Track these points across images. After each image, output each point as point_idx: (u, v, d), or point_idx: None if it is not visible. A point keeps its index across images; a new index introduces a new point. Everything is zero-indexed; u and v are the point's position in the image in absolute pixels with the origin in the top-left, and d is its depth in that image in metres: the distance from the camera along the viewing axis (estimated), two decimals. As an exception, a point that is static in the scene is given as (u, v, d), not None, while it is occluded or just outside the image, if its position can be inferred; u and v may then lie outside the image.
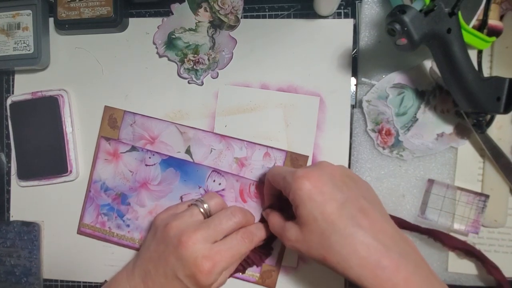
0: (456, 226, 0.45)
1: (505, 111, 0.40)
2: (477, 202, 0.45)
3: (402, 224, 0.45)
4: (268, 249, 0.47)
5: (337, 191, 0.36)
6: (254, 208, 0.48)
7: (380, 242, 0.34)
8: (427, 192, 0.46)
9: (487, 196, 0.45)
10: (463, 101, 0.41)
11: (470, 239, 0.46)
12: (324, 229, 0.35)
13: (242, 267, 0.47)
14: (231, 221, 0.42)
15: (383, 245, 0.34)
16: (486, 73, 0.46)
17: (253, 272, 0.48)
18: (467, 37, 0.40)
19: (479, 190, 0.46)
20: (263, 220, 0.46)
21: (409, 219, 0.46)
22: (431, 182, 0.46)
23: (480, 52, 0.43)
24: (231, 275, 0.47)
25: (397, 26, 0.35)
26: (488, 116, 0.43)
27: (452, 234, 0.46)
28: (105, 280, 0.50)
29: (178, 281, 0.39)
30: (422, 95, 0.46)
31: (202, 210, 0.43)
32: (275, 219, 0.42)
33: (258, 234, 0.44)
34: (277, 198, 0.45)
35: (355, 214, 0.35)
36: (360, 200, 0.37)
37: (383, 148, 0.46)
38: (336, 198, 0.36)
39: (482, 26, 0.42)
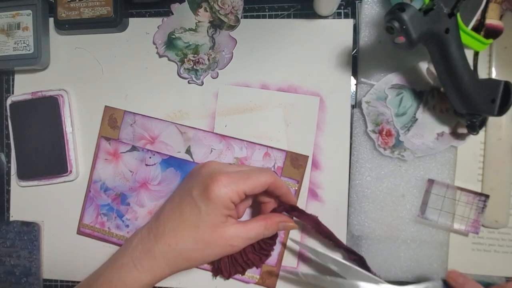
0: (456, 226, 0.45)
1: (499, 114, 0.40)
2: (477, 202, 0.45)
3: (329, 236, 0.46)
4: (268, 250, 0.47)
5: None
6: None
7: None
8: (427, 192, 0.46)
9: (487, 196, 0.45)
10: (458, 102, 0.41)
11: (470, 239, 0.46)
12: None
13: (241, 268, 0.46)
14: (261, 176, 0.40)
15: None
16: (484, 73, 0.46)
17: (253, 273, 0.48)
18: (465, 38, 0.40)
19: (479, 190, 0.46)
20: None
21: (409, 219, 0.46)
22: (431, 182, 0.46)
23: (476, 54, 0.43)
24: (213, 274, 0.48)
25: (396, 24, 0.35)
26: (481, 118, 0.43)
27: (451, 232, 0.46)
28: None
29: (190, 201, 0.38)
30: (420, 95, 0.46)
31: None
32: None
33: (284, 185, 0.42)
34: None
35: None
36: None
37: (384, 149, 0.46)
38: None
39: (479, 27, 0.42)
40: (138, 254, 0.39)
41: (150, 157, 0.50)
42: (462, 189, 0.45)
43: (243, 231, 0.39)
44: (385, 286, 0.42)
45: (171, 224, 0.39)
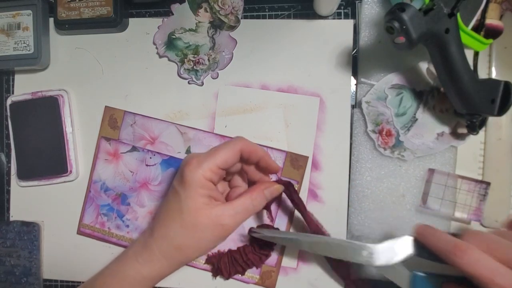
0: (458, 214, 0.45)
1: (499, 114, 0.40)
2: (478, 190, 0.45)
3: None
4: (268, 250, 0.47)
5: None
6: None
7: None
8: (428, 182, 0.46)
9: (488, 184, 0.45)
10: (458, 102, 0.41)
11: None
12: None
13: (241, 268, 0.47)
14: (230, 146, 0.40)
15: None
16: (484, 73, 0.46)
17: (252, 273, 0.48)
18: (465, 38, 0.40)
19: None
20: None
21: (409, 218, 0.46)
22: (431, 171, 0.46)
23: (476, 54, 0.43)
24: (213, 274, 0.49)
25: (396, 24, 0.35)
26: (481, 118, 0.43)
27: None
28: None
29: (172, 190, 0.40)
30: (420, 95, 0.46)
31: None
32: None
33: (258, 149, 0.41)
34: None
35: None
36: None
37: (384, 149, 0.46)
38: None
39: (479, 27, 0.42)
40: (139, 248, 0.40)
41: (150, 158, 0.50)
42: (463, 177, 0.45)
43: (229, 208, 0.39)
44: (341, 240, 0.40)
45: (161, 216, 0.40)
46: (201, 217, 0.38)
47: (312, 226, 0.45)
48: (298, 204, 0.45)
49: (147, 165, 0.50)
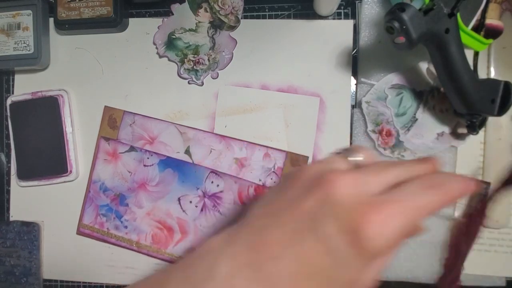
0: (458, 214, 0.45)
1: (499, 114, 0.41)
2: (479, 190, 0.45)
3: None
4: None
5: None
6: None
7: None
8: None
9: (488, 184, 0.45)
10: (458, 102, 0.41)
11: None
12: None
13: None
14: (393, 169, 0.27)
15: None
16: (483, 73, 0.46)
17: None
18: (465, 38, 0.40)
19: (479, 191, 0.46)
20: None
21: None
22: None
23: (476, 54, 0.43)
24: None
25: (396, 24, 0.35)
26: (481, 118, 0.43)
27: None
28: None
29: (321, 239, 0.24)
30: (420, 95, 0.46)
31: (352, 160, 0.29)
32: None
33: (453, 182, 0.26)
34: None
35: None
36: None
37: (384, 149, 0.46)
38: None
39: (479, 27, 0.42)
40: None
41: (148, 158, 0.50)
42: None
43: (377, 268, 0.26)
44: None
45: (287, 264, 0.24)
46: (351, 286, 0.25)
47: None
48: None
49: (145, 166, 0.50)
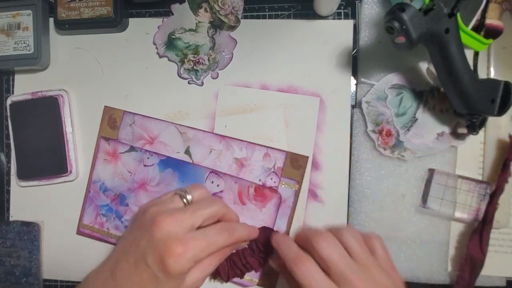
0: (458, 214, 0.45)
1: (499, 114, 0.41)
2: (478, 190, 0.45)
3: None
4: (267, 253, 0.47)
5: None
6: (253, 210, 0.48)
7: None
8: (428, 182, 0.46)
9: (488, 183, 0.45)
10: (458, 102, 0.41)
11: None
12: None
13: (240, 271, 0.46)
14: (210, 208, 0.39)
15: None
16: (483, 73, 0.46)
17: (251, 277, 0.48)
18: (465, 38, 0.40)
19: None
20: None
21: (409, 218, 0.46)
22: (431, 171, 0.46)
23: (476, 54, 0.43)
24: (211, 277, 0.47)
25: (396, 24, 0.35)
26: (481, 118, 0.43)
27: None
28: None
29: (146, 268, 0.35)
30: (420, 95, 0.46)
31: (184, 200, 0.40)
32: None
33: (240, 230, 0.41)
34: None
35: None
36: None
37: (384, 149, 0.46)
38: None
39: (479, 27, 0.42)
40: None
41: (148, 158, 0.50)
42: (463, 178, 0.45)
43: (199, 272, 0.38)
44: None
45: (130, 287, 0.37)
46: None
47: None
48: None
49: (145, 166, 0.50)
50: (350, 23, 0.49)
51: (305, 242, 0.38)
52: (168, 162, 0.50)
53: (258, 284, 0.48)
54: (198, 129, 0.49)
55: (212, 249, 0.37)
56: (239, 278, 0.48)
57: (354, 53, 0.48)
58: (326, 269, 0.35)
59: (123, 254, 0.38)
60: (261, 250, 0.46)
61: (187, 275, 0.37)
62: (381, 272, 0.35)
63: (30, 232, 0.51)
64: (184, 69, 0.50)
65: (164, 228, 0.36)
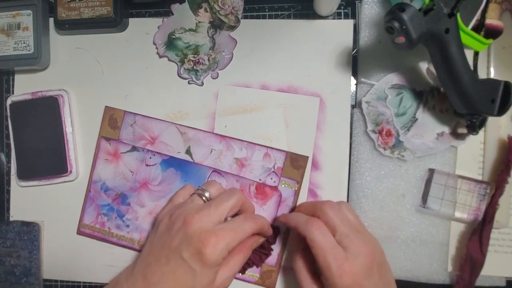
0: (458, 214, 0.45)
1: (499, 114, 0.41)
2: (478, 190, 0.45)
3: None
4: (268, 249, 0.47)
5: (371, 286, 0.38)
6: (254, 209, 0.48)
7: None
8: (428, 182, 0.46)
9: (488, 184, 0.45)
10: (458, 102, 0.41)
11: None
12: None
13: (242, 267, 0.46)
14: (231, 199, 0.42)
15: None
16: (483, 73, 0.46)
17: (253, 272, 0.48)
18: (465, 38, 0.40)
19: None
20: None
21: (409, 218, 0.46)
22: (431, 171, 0.46)
23: (476, 54, 0.43)
24: (239, 273, 0.48)
25: (396, 24, 0.35)
26: (481, 118, 0.43)
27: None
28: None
29: (182, 264, 0.38)
30: (420, 95, 0.46)
31: (204, 198, 0.44)
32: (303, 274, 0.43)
33: (261, 218, 0.44)
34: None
35: None
36: None
37: (384, 149, 0.46)
38: None
39: (479, 27, 0.43)
40: None
41: (150, 158, 0.50)
42: (463, 178, 0.45)
43: (228, 271, 0.41)
44: None
45: (166, 284, 0.39)
46: None
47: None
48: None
49: (147, 165, 0.50)
50: (350, 23, 0.49)
51: (310, 210, 0.43)
52: (170, 162, 0.50)
53: (258, 283, 0.48)
54: (198, 129, 0.49)
55: (241, 236, 0.40)
56: (240, 274, 0.48)
57: (354, 53, 0.48)
58: (332, 231, 0.40)
59: (153, 257, 0.40)
60: (263, 246, 0.46)
61: (217, 274, 0.40)
62: (367, 234, 0.42)
63: (30, 232, 0.51)
64: (184, 69, 0.50)
65: (195, 225, 0.39)
